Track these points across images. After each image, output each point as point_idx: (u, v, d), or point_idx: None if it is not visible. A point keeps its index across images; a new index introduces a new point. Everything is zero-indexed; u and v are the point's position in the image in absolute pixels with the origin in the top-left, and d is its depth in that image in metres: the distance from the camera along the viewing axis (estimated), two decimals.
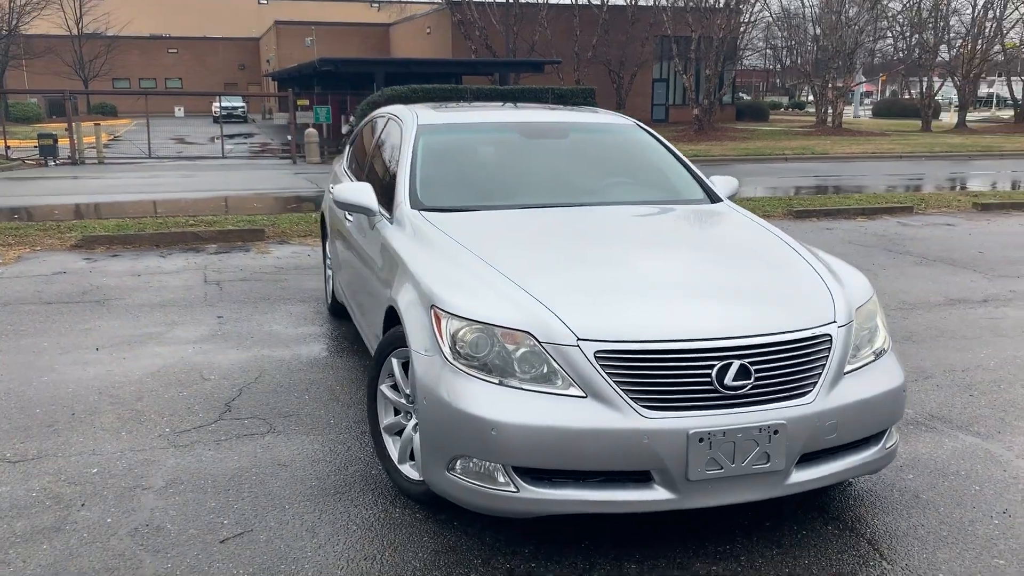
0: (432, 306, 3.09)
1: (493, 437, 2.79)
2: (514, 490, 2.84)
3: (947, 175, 19.55)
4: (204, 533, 3.18)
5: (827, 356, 3.00)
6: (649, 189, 4.38)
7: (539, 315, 2.91)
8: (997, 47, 39.28)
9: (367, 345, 4.52)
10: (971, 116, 42.74)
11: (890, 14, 37.95)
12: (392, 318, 3.58)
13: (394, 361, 3.46)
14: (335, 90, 31.35)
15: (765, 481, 2.89)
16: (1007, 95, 64.93)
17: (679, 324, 2.89)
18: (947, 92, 53.66)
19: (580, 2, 37.07)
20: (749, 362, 2.86)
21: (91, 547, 3.08)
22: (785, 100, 72.03)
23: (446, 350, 2.98)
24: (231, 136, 26.70)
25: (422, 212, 3.91)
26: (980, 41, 37.52)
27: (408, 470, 3.44)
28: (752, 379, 2.85)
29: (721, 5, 32.95)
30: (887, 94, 73.44)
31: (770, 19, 41.62)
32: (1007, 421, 4.32)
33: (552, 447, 2.77)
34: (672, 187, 4.42)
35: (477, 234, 3.62)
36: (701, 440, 2.76)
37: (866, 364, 3.14)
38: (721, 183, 4.56)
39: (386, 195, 4.24)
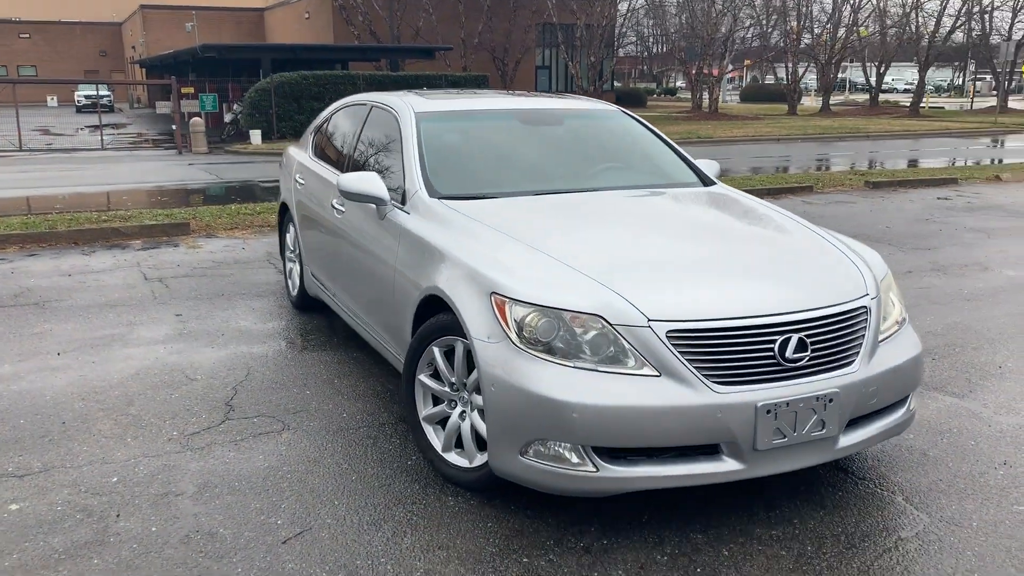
0: (492, 293, 3.10)
1: (575, 419, 2.84)
2: (593, 470, 2.90)
3: (828, 155, 20.69)
4: (262, 535, 3.10)
5: (865, 327, 3.20)
6: (647, 173, 4.49)
7: (606, 298, 2.97)
8: (853, 36, 41.63)
9: (370, 338, 4.47)
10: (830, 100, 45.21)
11: (756, 2, 39.55)
12: (428, 307, 3.57)
13: (435, 350, 3.46)
14: (213, 77, 30.23)
15: (820, 447, 3.06)
16: (859, 80, 68.92)
17: (742, 302, 3.01)
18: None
19: None
20: (805, 335, 3.02)
21: (147, 558, 2.95)
22: (654, 87, 73.99)
23: (513, 336, 3.01)
24: (99, 127, 25.25)
25: (442, 200, 3.89)
26: (840, 28, 39.69)
27: (455, 458, 3.45)
28: (809, 351, 3.01)
29: None
30: (747, 80, 76.63)
31: (646, 5, 42.60)
32: (973, 381, 4.68)
33: (631, 426, 2.85)
34: (666, 171, 4.56)
35: (508, 220, 3.64)
36: (768, 412, 2.90)
37: (892, 334, 3.36)
38: (706, 166, 4.74)
39: (389, 184, 4.19)
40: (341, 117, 5.45)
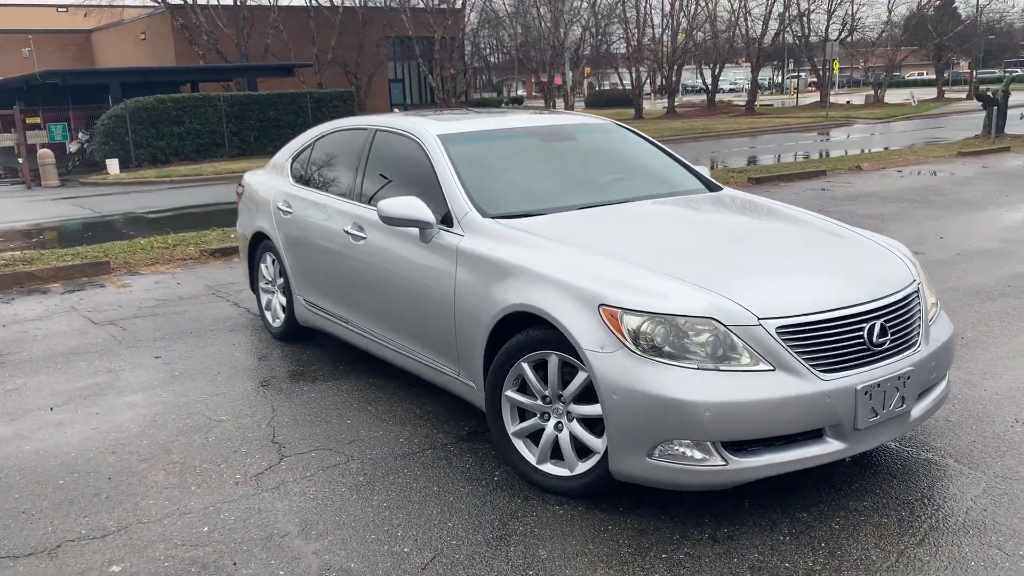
0: (601, 305, 3.24)
1: (707, 417, 3.02)
2: (723, 463, 3.09)
3: (696, 157, 21.80)
4: (398, 564, 3.10)
5: (920, 310, 3.55)
6: (661, 182, 4.72)
7: (715, 301, 3.17)
8: (682, 40, 43.81)
9: (407, 361, 4.46)
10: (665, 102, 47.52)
11: (598, 9, 41.02)
12: (507, 326, 3.65)
13: (525, 365, 3.55)
14: (48, 106, 28.35)
15: (900, 421, 3.38)
16: (687, 82, 72.39)
17: (832, 295, 3.29)
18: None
19: (313, 4, 36.37)
20: (884, 321, 3.33)
21: None
22: (495, 95, 75.11)
23: (631, 345, 3.15)
24: None
25: (495, 220, 3.98)
26: (680, 34, 41.79)
27: (552, 468, 3.56)
28: (889, 336, 3.32)
29: (454, 5, 33.92)
30: (585, 85, 79.19)
31: (480, 16, 43.35)
32: None
33: (756, 418, 3.06)
34: (676, 178, 4.81)
35: (574, 234, 3.78)
36: (865, 393, 3.19)
37: (935, 315, 3.74)
38: (702, 172, 5.04)
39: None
40: (330, 144, 5.39)
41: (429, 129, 4.58)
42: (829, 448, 3.20)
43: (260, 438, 4.28)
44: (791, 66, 73.20)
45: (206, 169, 20.45)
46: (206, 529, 3.40)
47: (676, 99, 42.89)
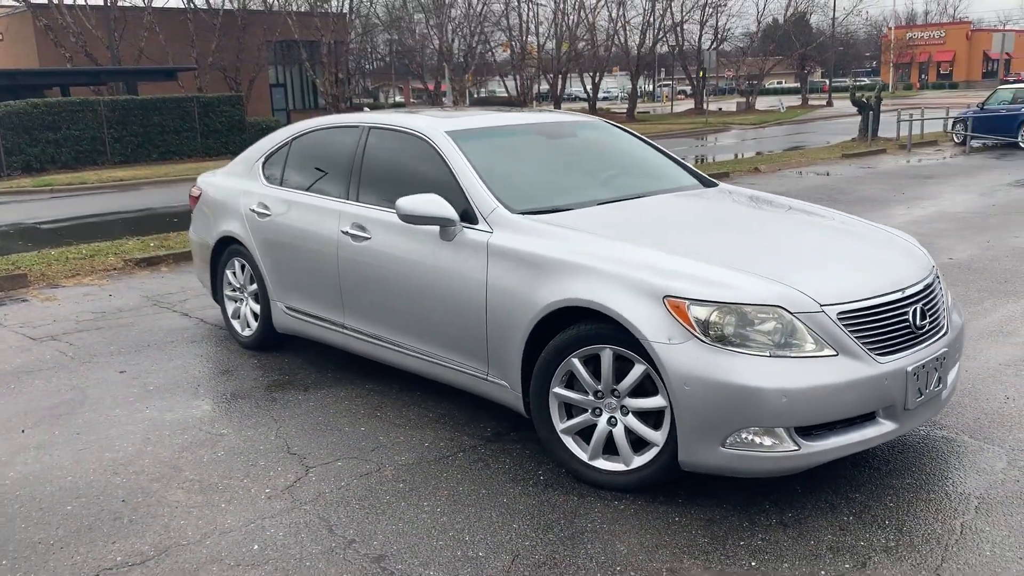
0: (666, 297, 3.24)
1: (784, 404, 3.08)
2: (795, 448, 3.15)
3: None
4: (479, 568, 3.01)
5: (942, 294, 3.74)
6: (663, 177, 4.76)
7: (778, 290, 3.23)
8: (572, 49, 44.66)
9: (420, 363, 4.34)
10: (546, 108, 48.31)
11: (486, 19, 41.22)
12: (549, 322, 3.60)
13: (576, 361, 3.52)
14: None
15: (936, 400, 3.54)
16: (567, 91, 73.57)
17: (880, 281, 3.41)
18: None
19: (190, 6, 34.98)
20: (921, 305, 3.48)
21: None
22: (371, 102, 74.15)
23: (700, 335, 3.17)
24: None
25: (525, 215, 3.93)
26: (562, 42, 42.49)
27: (605, 464, 3.54)
28: (927, 318, 3.48)
29: (342, 9, 33.39)
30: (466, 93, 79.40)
31: (378, 22, 42.83)
32: None
33: (825, 403, 3.14)
34: (673, 174, 4.87)
35: (614, 228, 3.78)
36: (914, 374, 3.32)
37: (951, 301, 3.94)
38: (692, 168, 5.14)
39: None
40: (311, 143, 5.18)
41: (436, 126, 4.48)
42: (883, 429, 3.31)
43: (274, 450, 4.06)
44: (662, 75, 75.69)
45: (89, 177, 19.31)
46: (256, 547, 3.20)
47: (561, 107, 43.71)
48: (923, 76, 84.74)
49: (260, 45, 37.32)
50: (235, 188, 5.62)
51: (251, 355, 5.58)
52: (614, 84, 79.40)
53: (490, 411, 4.41)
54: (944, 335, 3.56)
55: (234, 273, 5.69)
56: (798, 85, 77.30)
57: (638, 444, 3.48)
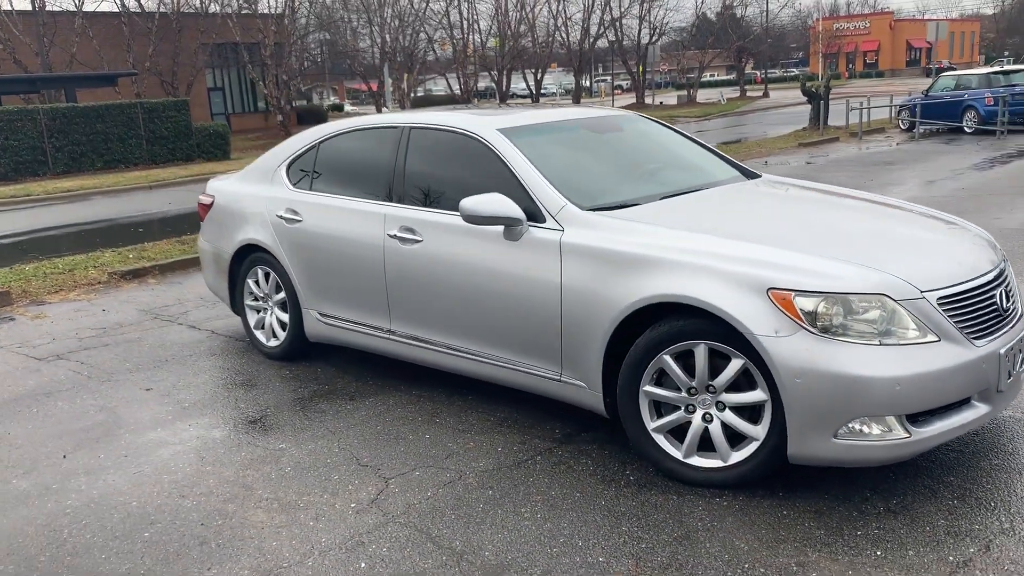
0: (770, 289, 3.21)
1: (898, 392, 3.07)
2: (906, 435, 3.15)
3: None
4: (604, 573, 2.94)
5: (1010, 277, 3.79)
6: (714, 171, 4.73)
7: (882, 277, 3.22)
8: (488, 47, 44.48)
9: (479, 367, 4.24)
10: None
11: (428, 18, 40.89)
12: (634, 320, 3.55)
13: (668, 358, 3.47)
14: None
15: (1018, 380, 3.58)
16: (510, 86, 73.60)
17: (968, 266, 3.44)
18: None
19: (124, 10, 33.93)
20: (1003, 288, 3.52)
21: None
22: (305, 103, 72.95)
23: (808, 326, 3.15)
24: None
25: (595, 212, 3.86)
26: (506, 39, 42.44)
27: (700, 461, 3.50)
28: (1010, 300, 3.52)
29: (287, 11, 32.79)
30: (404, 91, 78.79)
31: (318, 21, 42.05)
32: None
33: (934, 389, 3.15)
34: (721, 167, 4.85)
35: (692, 221, 3.73)
36: (1006, 357, 3.36)
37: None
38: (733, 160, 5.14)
39: None
40: (342, 146, 5.02)
41: (487, 123, 4.38)
42: (979, 412, 3.34)
43: (343, 462, 3.93)
44: (600, 70, 76.21)
45: (34, 189, 18.57)
46: (363, 565, 3.08)
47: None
48: (850, 65, 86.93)
49: (197, 48, 36.44)
50: (256, 194, 5.43)
51: (279, 366, 5.40)
52: (550, 80, 79.67)
53: (552, 412, 4.34)
54: (1020, 318, 3.61)
55: (256, 282, 5.50)
56: (731, 77, 78.85)
57: (733, 440, 3.45)
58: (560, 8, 43.98)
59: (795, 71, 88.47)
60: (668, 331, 3.45)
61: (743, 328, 3.22)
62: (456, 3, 40.60)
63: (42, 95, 29.79)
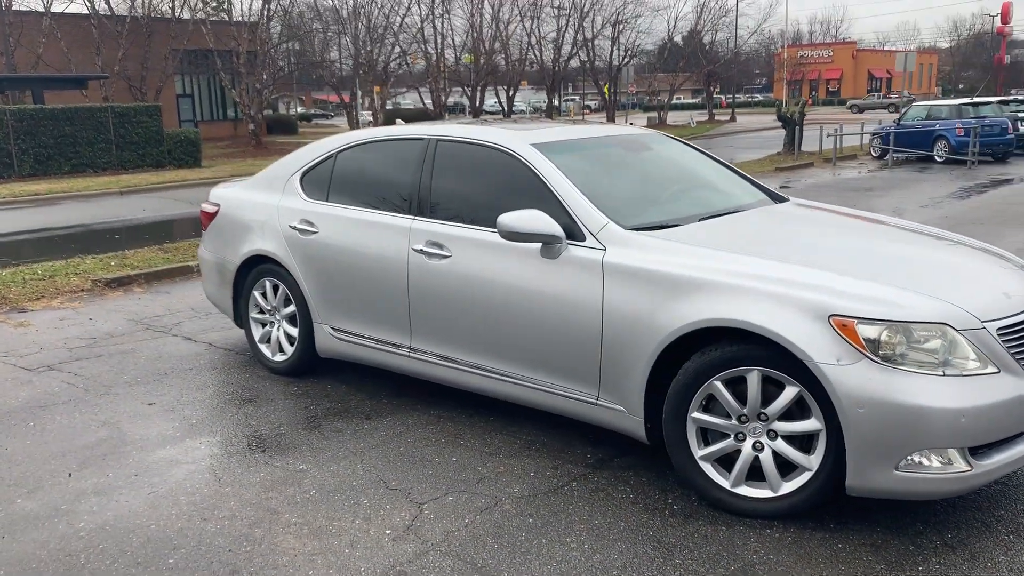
0: (831, 315, 3.14)
1: (962, 424, 3.01)
2: (967, 468, 3.08)
3: None
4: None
5: None
6: (743, 193, 4.67)
7: (943, 307, 3.16)
8: (461, 62, 44.35)
9: (508, 387, 4.11)
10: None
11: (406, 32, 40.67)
12: (680, 344, 3.46)
13: (718, 384, 3.38)
14: None
15: None
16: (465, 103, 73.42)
17: (1016, 295, 3.39)
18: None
19: (94, 12, 33.33)
20: None
21: None
22: (271, 112, 72.31)
23: (870, 355, 3.08)
24: None
25: (637, 231, 3.77)
26: (480, 56, 42.40)
27: (749, 491, 3.41)
28: None
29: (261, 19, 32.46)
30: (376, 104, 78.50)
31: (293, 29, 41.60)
32: None
33: (996, 421, 3.10)
34: (748, 188, 4.79)
35: (740, 244, 3.67)
36: None
37: None
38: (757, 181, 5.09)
39: None
40: (362, 157, 4.87)
41: (520, 138, 4.27)
42: None
43: (369, 485, 3.77)
44: (569, 89, 76.68)
45: (0, 191, 18.06)
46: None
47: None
48: (813, 92, 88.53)
49: (167, 54, 35.89)
50: (267, 204, 5.25)
51: (286, 381, 5.21)
52: (519, 98, 79.93)
53: (581, 436, 4.23)
54: None
55: (263, 294, 5.32)
56: (697, 101, 79.77)
57: (783, 469, 3.36)
58: (534, 26, 44.07)
59: (759, 96, 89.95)
60: (720, 356, 3.35)
61: (803, 355, 3.14)
62: (430, 18, 40.48)
63: (6, 95, 29.12)
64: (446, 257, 4.25)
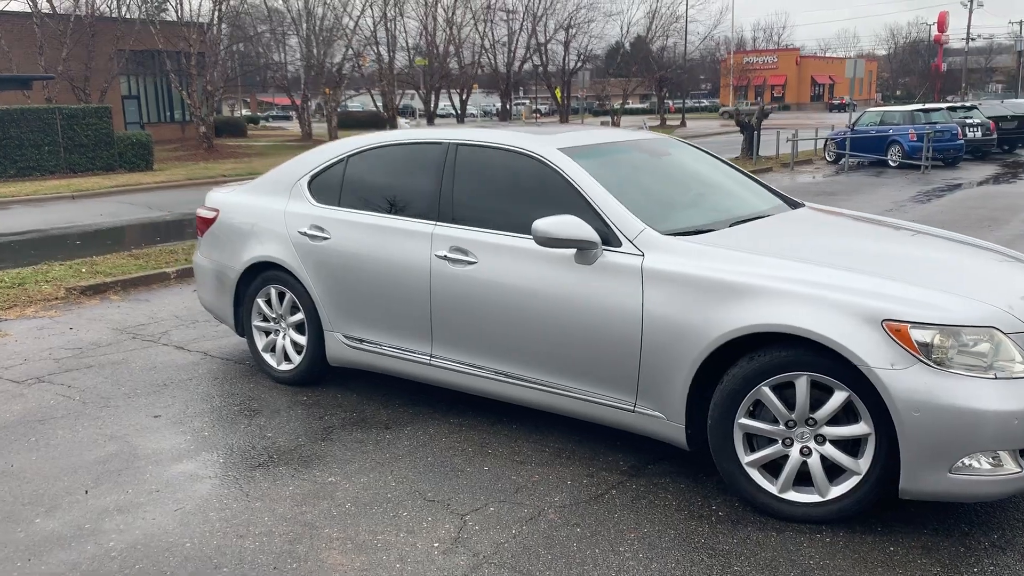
0: (885, 320, 3.16)
1: (1016, 426, 3.05)
2: (1019, 470, 3.12)
3: None
4: None
5: None
6: (761, 198, 4.68)
7: (989, 310, 3.21)
8: (414, 65, 44.16)
9: (538, 395, 4.07)
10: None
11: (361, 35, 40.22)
12: (726, 350, 3.45)
13: (766, 389, 3.38)
14: None
15: None
16: (419, 106, 73.10)
17: None
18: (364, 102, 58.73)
19: (36, 11, 32.34)
20: None
21: None
22: (215, 115, 71.19)
23: (924, 359, 3.10)
24: None
25: (675, 236, 3.76)
26: (434, 59, 42.20)
27: (796, 496, 3.42)
28: None
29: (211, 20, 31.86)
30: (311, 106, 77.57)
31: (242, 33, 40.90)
32: None
33: None
34: (765, 194, 4.81)
35: (781, 248, 3.68)
36: None
37: None
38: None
39: None
40: (376, 161, 4.77)
41: (546, 143, 4.23)
42: None
43: (406, 497, 3.68)
44: (521, 93, 76.81)
45: None
46: None
47: (414, 121, 43.49)
48: (759, 98, 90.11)
49: (113, 54, 35.01)
50: (272, 209, 5.12)
51: (294, 391, 5.08)
52: (470, 102, 79.82)
53: (609, 443, 4.20)
54: None
55: (268, 302, 5.18)
56: (645, 106, 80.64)
57: (833, 473, 3.37)
58: (487, 30, 44.03)
59: (705, 102, 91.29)
60: (770, 362, 3.35)
61: (858, 361, 3.15)
62: (383, 20, 40.16)
63: None
64: (471, 263, 4.18)
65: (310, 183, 5.03)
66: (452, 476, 3.89)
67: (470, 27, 43.09)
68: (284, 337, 5.16)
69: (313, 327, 4.94)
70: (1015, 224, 11.39)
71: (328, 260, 4.77)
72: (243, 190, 5.49)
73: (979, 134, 21.94)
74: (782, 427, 3.40)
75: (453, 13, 40.84)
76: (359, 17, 37.17)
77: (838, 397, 3.27)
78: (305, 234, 4.88)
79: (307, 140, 38.67)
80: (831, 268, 3.42)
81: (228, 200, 5.47)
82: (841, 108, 77.82)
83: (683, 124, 54.01)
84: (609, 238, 3.83)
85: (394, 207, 4.61)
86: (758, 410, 3.44)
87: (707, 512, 3.51)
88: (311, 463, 4.06)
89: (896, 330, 3.14)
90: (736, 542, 3.27)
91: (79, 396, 5.06)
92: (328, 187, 4.94)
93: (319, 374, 5.08)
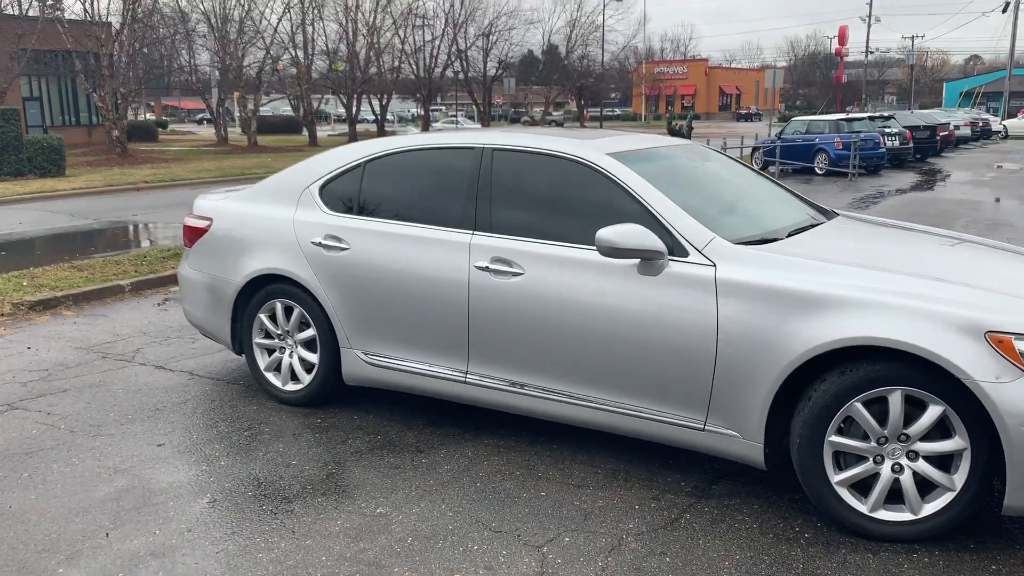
0: (988, 332, 3.07)
1: None
2: None
3: None
4: None
5: None
6: (795, 207, 4.56)
7: None
8: (332, 71, 43.39)
9: (593, 414, 3.85)
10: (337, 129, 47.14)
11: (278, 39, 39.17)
12: (810, 366, 3.32)
13: (858, 406, 3.25)
14: None
15: None
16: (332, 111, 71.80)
17: None
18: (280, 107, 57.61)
19: None
20: None
21: None
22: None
23: None
24: None
25: (746, 246, 3.61)
26: (356, 64, 41.43)
27: (887, 515, 3.31)
28: None
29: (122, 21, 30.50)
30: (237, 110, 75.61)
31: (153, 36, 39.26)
32: None
33: None
34: (797, 202, 4.68)
35: (856, 257, 3.58)
36: None
37: None
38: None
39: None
40: (400, 166, 4.47)
41: (592, 147, 4.03)
42: None
43: (468, 527, 3.42)
44: (439, 99, 76.41)
45: None
46: None
47: (328, 127, 42.60)
48: (670, 108, 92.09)
49: (13, 53, 33.18)
50: (278, 218, 4.75)
51: (304, 413, 4.73)
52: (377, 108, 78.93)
53: (663, 463, 4.02)
54: None
55: (272, 317, 4.81)
56: (559, 115, 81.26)
57: (921, 490, 3.27)
58: (407, 35, 43.54)
59: (618, 111, 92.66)
60: (863, 376, 3.22)
61: (962, 374, 3.05)
62: (302, 24, 39.22)
63: None
64: (517, 275, 3.94)
65: (321, 190, 4.69)
66: (509, 503, 3.64)
67: (391, 32, 42.53)
68: (291, 355, 4.80)
69: (327, 344, 4.60)
70: (959, 229, 11.73)
71: (346, 272, 4.45)
72: (240, 197, 5.10)
73: (897, 143, 22.79)
74: (873, 444, 3.27)
75: (374, 18, 40.22)
76: (279, 21, 36.21)
77: (933, 411, 3.16)
78: (320, 244, 4.54)
79: (223, 144, 37.45)
80: (919, 278, 3.32)
81: (223, 208, 5.07)
82: (747, 118, 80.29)
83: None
84: (674, 248, 3.65)
85: (423, 215, 4.33)
86: (847, 427, 3.31)
87: (793, 534, 3.36)
88: (351, 493, 3.74)
89: (1000, 341, 3.05)
90: (835, 565, 3.13)
91: (64, 424, 4.59)
92: (343, 195, 4.61)
93: (329, 394, 4.74)
